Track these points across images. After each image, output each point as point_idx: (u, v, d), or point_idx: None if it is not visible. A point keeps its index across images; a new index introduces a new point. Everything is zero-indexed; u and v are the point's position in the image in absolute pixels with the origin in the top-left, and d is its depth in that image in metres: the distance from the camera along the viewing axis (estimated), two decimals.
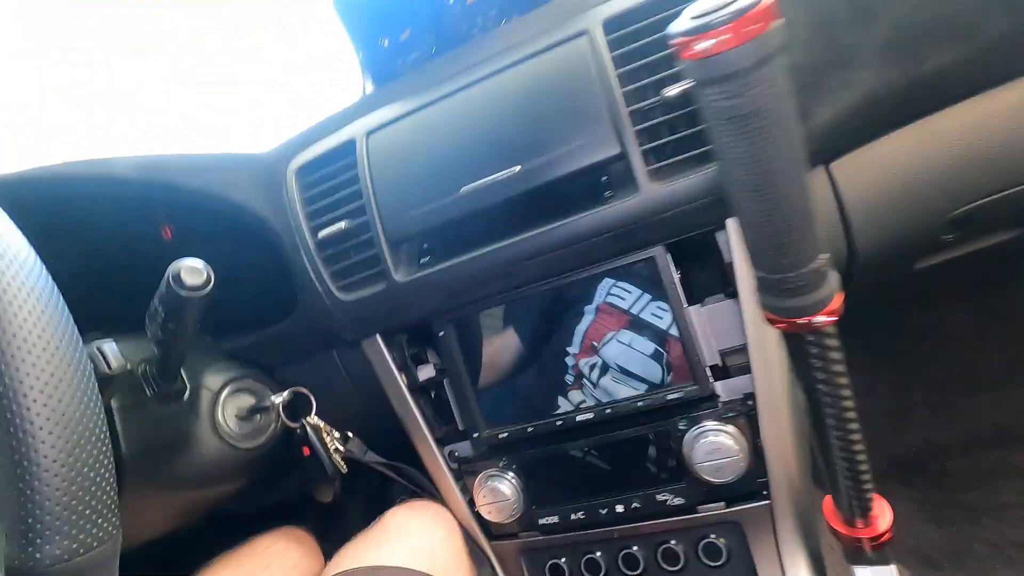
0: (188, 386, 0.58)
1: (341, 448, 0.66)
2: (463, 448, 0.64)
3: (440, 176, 0.54)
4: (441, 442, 0.65)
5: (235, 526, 0.72)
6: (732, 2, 0.26)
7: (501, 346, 0.60)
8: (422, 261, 0.58)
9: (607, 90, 0.48)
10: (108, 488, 0.31)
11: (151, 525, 0.58)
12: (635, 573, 0.58)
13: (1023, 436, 0.87)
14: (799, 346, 0.37)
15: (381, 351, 0.63)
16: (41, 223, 0.47)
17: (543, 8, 0.59)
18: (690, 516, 0.55)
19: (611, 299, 0.56)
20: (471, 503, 0.63)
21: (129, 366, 0.48)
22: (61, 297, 0.33)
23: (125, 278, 0.67)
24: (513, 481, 0.60)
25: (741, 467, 0.51)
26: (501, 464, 0.60)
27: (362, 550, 0.58)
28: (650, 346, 0.55)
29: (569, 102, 0.49)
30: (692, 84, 0.29)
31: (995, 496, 0.85)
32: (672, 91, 0.46)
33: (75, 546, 0.29)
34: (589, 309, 0.57)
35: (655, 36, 0.47)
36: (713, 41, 0.26)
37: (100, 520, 0.30)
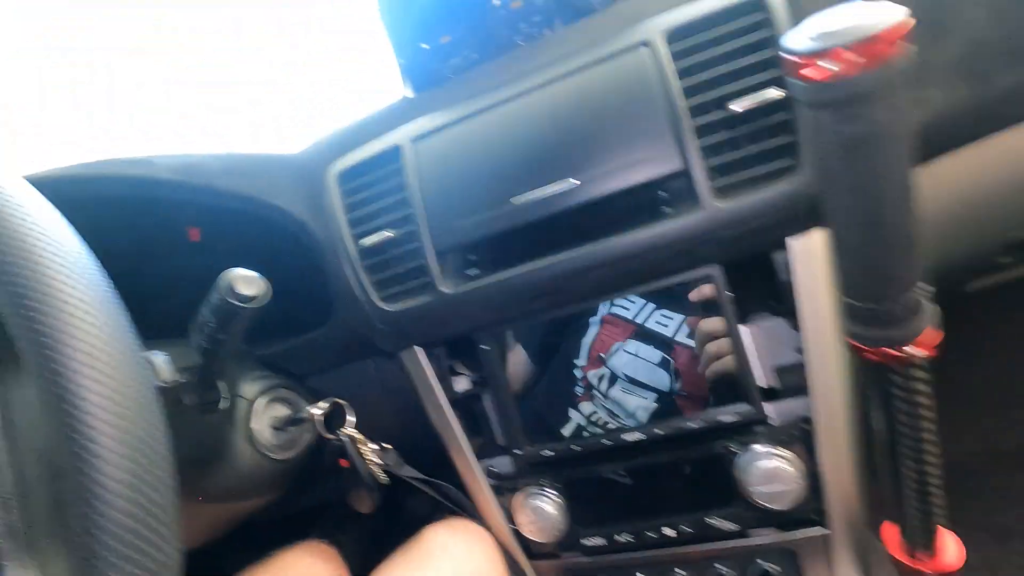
0: (225, 396, 0.57)
1: (378, 460, 0.64)
2: (501, 464, 0.63)
3: (491, 186, 0.52)
4: (478, 457, 0.64)
5: (256, 535, 0.71)
6: (858, 22, 0.24)
7: (514, 362, 0.60)
8: (469, 273, 0.56)
9: (670, 103, 0.47)
10: (173, 510, 0.29)
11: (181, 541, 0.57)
12: None
13: None
14: (882, 376, 0.36)
15: (421, 362, 0.62)
16: (75, 223, 0.46)
17: (595, 17, 0.58)
18: (741, 541, 0.54)
19: (615, 310, 0.56)
20: (510, 520, 0.62)
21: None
22: (122, 304, 0.32)
23: (152, 281, 0.66)
24: (556, 500, 0.58)
25: (799, 494, 0.50)
26: (544, 482, 0.59)
27: (403, 570, 0.56)
28: (657, 354, 0.55)
29: (629, 115, 0.48)
30: (803, 105, 0.28)
31: None
32: (739, 106, 0.45)
33: (139, 572, 0.27)
34: (594, 321, 0.56)
35: (720, 48, 0.46)
36: (839, 63, 0.25)
37: (164, 544, 0.29)
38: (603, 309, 0.56)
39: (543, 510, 0.58)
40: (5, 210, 0.30)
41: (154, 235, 0.69)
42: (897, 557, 0.45)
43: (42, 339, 0.27)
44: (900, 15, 0.24)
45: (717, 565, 0.56)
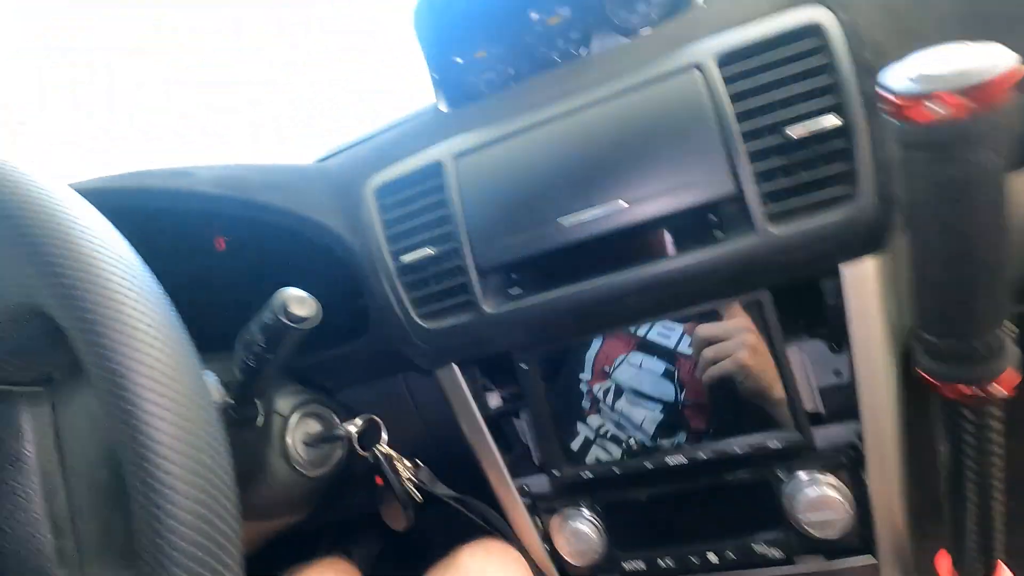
0: (261, 412, 0.56)
1: (413, 477, 0.64)
2: (535, 483, 0.62)
3: (538, 206, 0.52)
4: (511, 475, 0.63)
5: (274, 550, 0.70)
6: (968, 66, 0.24)
7: None
8: (512, 292, 0.56)
9: (724, 127, 0.46)
10: (237, 530, 0.29)
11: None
12: None
13: None
14: (953, 412, 0.35)
15: (457, 379, 0.61)
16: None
17: (639, 38, 0.58)
18: (787, 569, 0.54)
19: None
20: (547, 542, 0.61)
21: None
22: (182, 323, 0.31)
23: (180, 291, 0.65)
24: (595, 522, 0.58)
25: (848, 522, 0.49)
26: (583, 504, 0.58)
27: None
28: (660, 366, 0.55)
29: (680, 137, 0.48)
30: (898, 144, 0.27)
31: None
32: (796, 132, 0.44)
33: None
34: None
35: (774, 73, 0.46)
36: (947, 107, 0.24)
37: (231, 563, 0.28)
38: None
39: (582, 532, 0.57)
40: (65, 225, 0.29)
41: (180, 244, 0.68)
42: None
43: (111, 364, 0.26)
44: (1012, 61, 0.24)
45: None
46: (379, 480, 0.63)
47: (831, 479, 0.50)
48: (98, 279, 0.28)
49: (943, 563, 0.45)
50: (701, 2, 0.56)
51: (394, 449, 0.64)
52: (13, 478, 0.33)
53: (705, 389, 0.53)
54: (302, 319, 0.42)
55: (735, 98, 0.47)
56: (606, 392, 0.57)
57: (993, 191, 0.27)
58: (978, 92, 0.24)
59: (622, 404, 0.56)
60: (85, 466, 0.36)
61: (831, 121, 0.44)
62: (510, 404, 0.65)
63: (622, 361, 0.56)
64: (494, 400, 0.64)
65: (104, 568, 0.36)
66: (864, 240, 0.45)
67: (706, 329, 0.52)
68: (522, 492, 0.63)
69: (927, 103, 0.25)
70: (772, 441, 0.51)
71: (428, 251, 0.56)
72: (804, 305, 0.52)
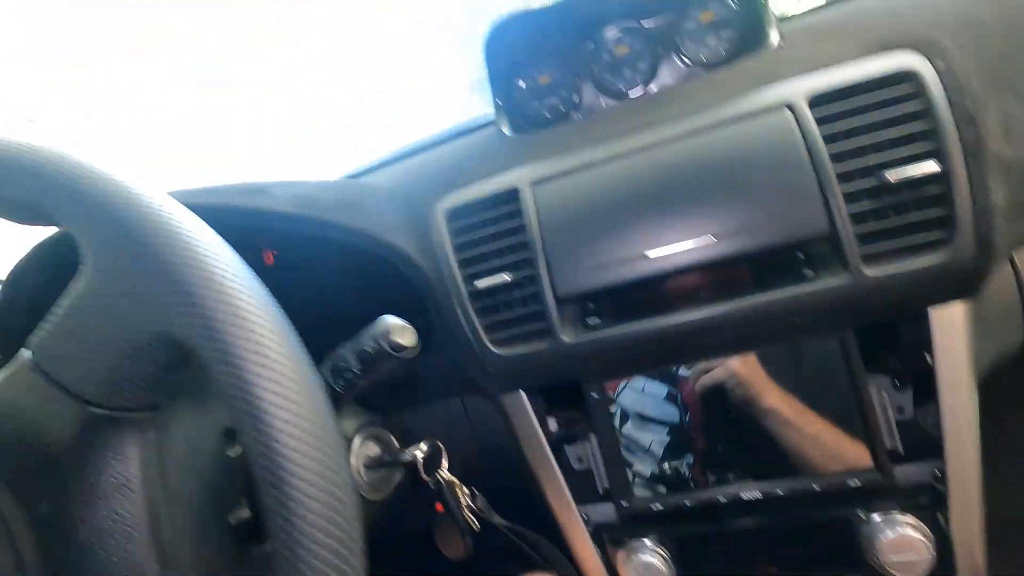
0: None
1: (473, 505, 0.63)
2: (597, 512, 0.62)
3: (623, 237, 0.52)
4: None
5: None
6: None
7: None
8: (590, 322, 0.55)
9: (819, 168, 0.47)
10: (360, 529, 0.29)
11: None
12: None
13: None
14: None
15: (524, 405, 0.61)
16: None
17: (717, 73, 0.58)
18: None
19: None
20: (610, 572, 0.60)
21: None
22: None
23: None
24: (665, 556, 0.57)
25: (931, 563, 0.49)
26: (652, 536, 0.58)
27: None
28: (663, 389, 0.56)
29: (771, 175, 0.48)
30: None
31: None
32: (894, 176, 0.45)
33: None
34: None
35: (869, 117, 0.47)
36: None
37: (356, 564, 0.28)
38: None
39: (652, 566, 0.57)
40: (198, 252, 0.29)
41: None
42: None
43: (249, 388, 0.27)
44: None
45: None
46: (439, 506, 0.62)
47: (911, 519, 0.50)
48: (235, 308, 0.28)
49: None
50: (776, 43, 0.57)
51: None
52: (121, 506, 0.32)
53: (700, 401, 0.54)
54: (403, 348, 0.42)
55: (828, 139, 0.47)
56: (612, 417, 0.58)
57: None
58: None
59: (629, 428, 0.57)
60: (185, 493, 0.36)
61: (930, 167, 0.44)
62: (565, 430, 0.64)
63: (625, 386, 0.57)
64: (551, 426, 0.64)
65: None
66: (958, 285, 0.45)
67: None
68: (584, 521, 0.62)
69: None
70: (851, 480, 0.51)
71: (504, 277, 0.56)
72: (883, 344, 0.52)
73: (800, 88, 0.49)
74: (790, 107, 0.49)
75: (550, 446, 0.62)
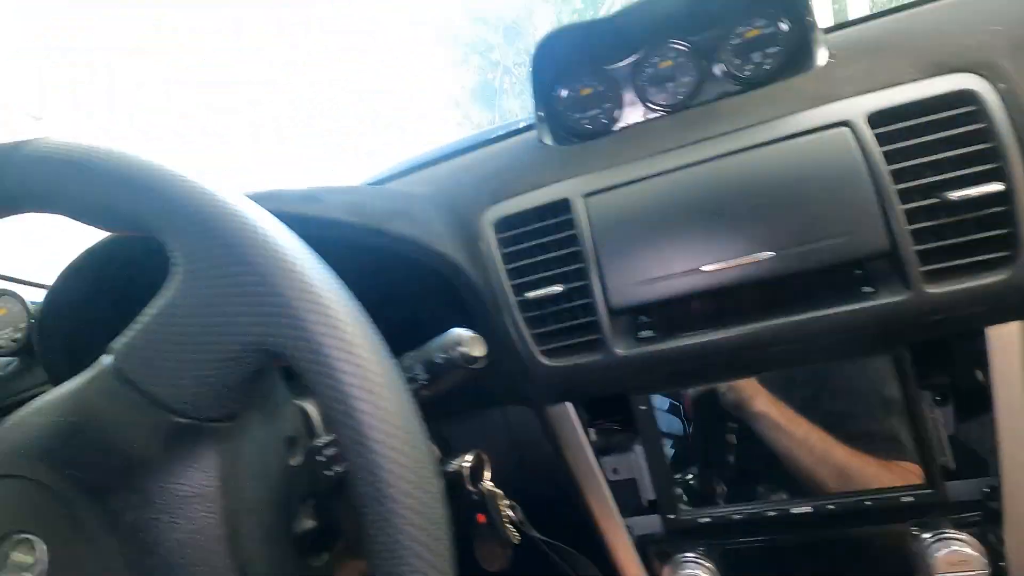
0: None
1: (513, 516, 0.63)
2: (640, 524, 0.61)
3: (678, 250, 0.52)
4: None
5: None
6: None
7: None
8: (641, 335, 0.55)
9: (879, 186, 0.47)
10: (449, 536, 0.29)
11: None
12: None
13: None
14: None
15: (570, 416, 0.61)
16: None
17: (765, 90, 0.59)
18: None
19: None
20: None
21: None
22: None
23: None
24: (713, 569, 0.57)
25: None
26: (699, 549, 0.58)
27: None
28: (665, 401, 0.58)
29: (831, 192, 0.49)
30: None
31: None
32: (956, 195, 0.45)
33: None
34: None
35: (929, 136, 0.47)
36: None
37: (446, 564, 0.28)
38: None
39: None
40: (293, 261, 0.29)
41: None
42: None
43: (349, 399, 0.27)
44: None
45: None
46: (481, 518, 0.62)
47: (965, 536, 0.50)
48: (332, 318, 0.28)
49: None
50: (824, 62, 0.57)
51: None
52: (203, 517, 0.32)
53: (696, 411, 0.56)
54: (476, 360, 0.41)
55: (888, 158, 0.48)
56: None
57: None
58: None
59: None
60: (256, 504, 0.36)
61: (994, 187, 0.45)
62: (604, 440, 0.64)
63: None
64: (592, 436, 0.63)
65: None
66: (1020, 303, 0.46)
67: None
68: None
69: None
70: (905, 496, 0.52)
71: (555, 288, 0.56)
72: (934, 361, 0.53)
73: (858, 106, 0.50)
74: (848, 125, 0.49)
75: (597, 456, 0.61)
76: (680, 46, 0.66)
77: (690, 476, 0.60)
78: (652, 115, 0.68)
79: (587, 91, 0.70)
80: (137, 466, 0.30)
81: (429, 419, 0.73)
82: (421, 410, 0.69)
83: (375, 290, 0.68)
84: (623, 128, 0.68)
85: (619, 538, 0.61)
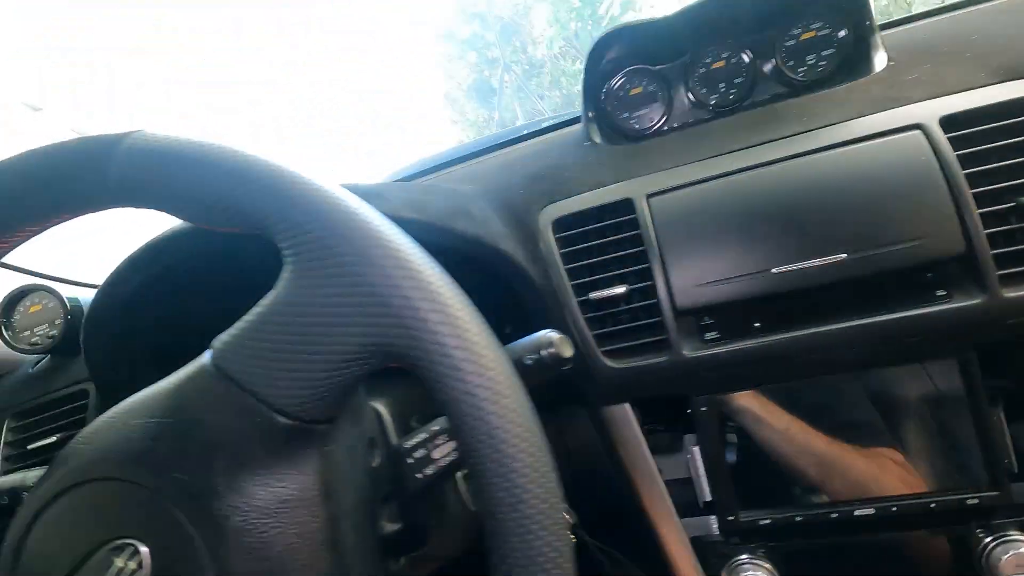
0: None
1: (569, 520, 0.62)
2: (698, 526, 0.61)
3: (748, 252, 0.52)
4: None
5: None
6: None
7: None
8: (707, 336, 0.55)
9: (955, 189, 0.47)
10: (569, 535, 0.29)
11: None
12: None
13: None
14: None
15: (629, 417, 0.60)
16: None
17: (830, 92, 0.59)
18: None
19: None
20: None
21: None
22: None
23: None
24: (773, 572, 0.57)
25: None
26: (759, 551, 0.57)
27: None
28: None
29: (905, 196, 0.49)
30: None
31: None
32: None
33: None
34: None
35: (1004, 140, 0.47)
36: None
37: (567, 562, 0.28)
38: None
39: None
40: (411, 260, 0.28)
41: None
42: None
43: (475, 395, 0.27)
44: None
45: None
46: None
47: None
48: (454, 318, 0.27)
49: None
50: (884, 65, 0.57)
51: None
52: (306, 520, 0.31)
53: None
54: (567, 361, 0.41)
55: (963, 161, 0.48)
56: None
57: None
58: None
59: None
60: (349, 506, 0.35)
61: None
62: (655, 441, 0.64)
63: None
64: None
65: None
66: None
67: None
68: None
69: None
70: (969, 498, 0.51)
71: (619, 289, 0.56)
72: (1001, 362, 0.53)
73: (930, 110, 0.50)
74: (921, 128, 0.49)
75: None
76: (733, 47, 0.66)
77: (744, 477, 0.60)
78: (702, 116, 0.68)
79: (636, 91, 0.70)
80: (241, 468, 0.29)
81: None
82: None
83: None
84: (678, 129, 0.68)
85: (677, 539, 0.61)
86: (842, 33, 0.61)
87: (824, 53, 0.63)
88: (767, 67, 0.65)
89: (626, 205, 0.57)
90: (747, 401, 0.56)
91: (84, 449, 0.32)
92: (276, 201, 0.29)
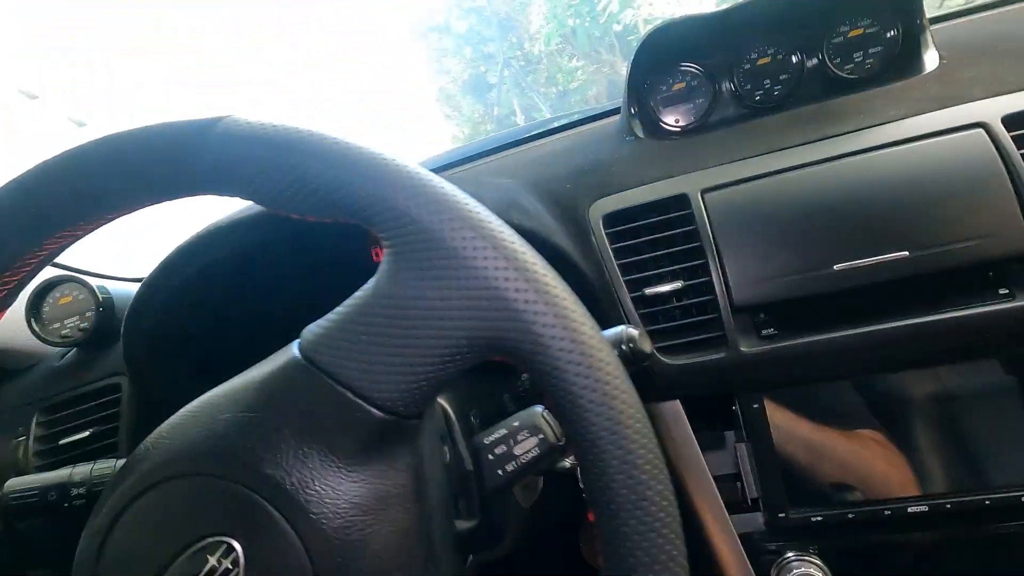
0: None
1: None
2: (747, 523, 0.60)
3: (808, 248, 0.52)
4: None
5: None
6: None
7: None
8: (764, 333, 0.55)
9: (1019, 188, 0.48)
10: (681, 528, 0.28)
11: None
12: None
13: None
14: None
15: (680, 413, 0.60)
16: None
17: (888, 88, 0.59)
18: None
19: None
20: None
21: None
22: None
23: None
24: (824, 568, 0.56)
25: None
26: (809, 548, 0.57)
27: None
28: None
29: (967, 194, 0.49)
30: None
31: None
32: None
33: None
34: None
35: None
36: None
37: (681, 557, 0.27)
38: None
39: None
40: (498, 237, 0.28)
41: (340, 255, 0.65)
42: None
43: (605, 387, 0.26)
44: None
45: None
46: (591, 516, 0.61)
47: None
48: (563, 310, 0.27)
49: None
50: (934, 64, 0.57)
51: None
52: (401, 517, 0.30)
53: None
54: (648, 356, 0.40)
55: None
56: None
57: None
58: None
59: None
60: (433, 502, 0.34)
61: None
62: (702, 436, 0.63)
63: None
64: None
65: None
66: None
67: None
68: None
69: None
70: None
71: (675, 284, 0.55)
72: None
73: (991, 109, 0.50)
74: (984, 127, 0.49)
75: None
76: (780, 44, 0.65)
77: (792, 474, 0.59)
78: (745, 113, 0.68)
79: (680, 86, 0.70)
80: (336, 464, 0.28)
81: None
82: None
83: None
84: (722, 125, 0.67)
85: (727, 535, 0.60)
86: (891, 31, 0.61)
87: (872, 51, 0.63)
88: (812, 64, 0.65)
89: (681, 201, 0.56)
90: (798, 397, 0.56)
91: (167, 444, 0.31)
92: (378, 190, 0.28)
